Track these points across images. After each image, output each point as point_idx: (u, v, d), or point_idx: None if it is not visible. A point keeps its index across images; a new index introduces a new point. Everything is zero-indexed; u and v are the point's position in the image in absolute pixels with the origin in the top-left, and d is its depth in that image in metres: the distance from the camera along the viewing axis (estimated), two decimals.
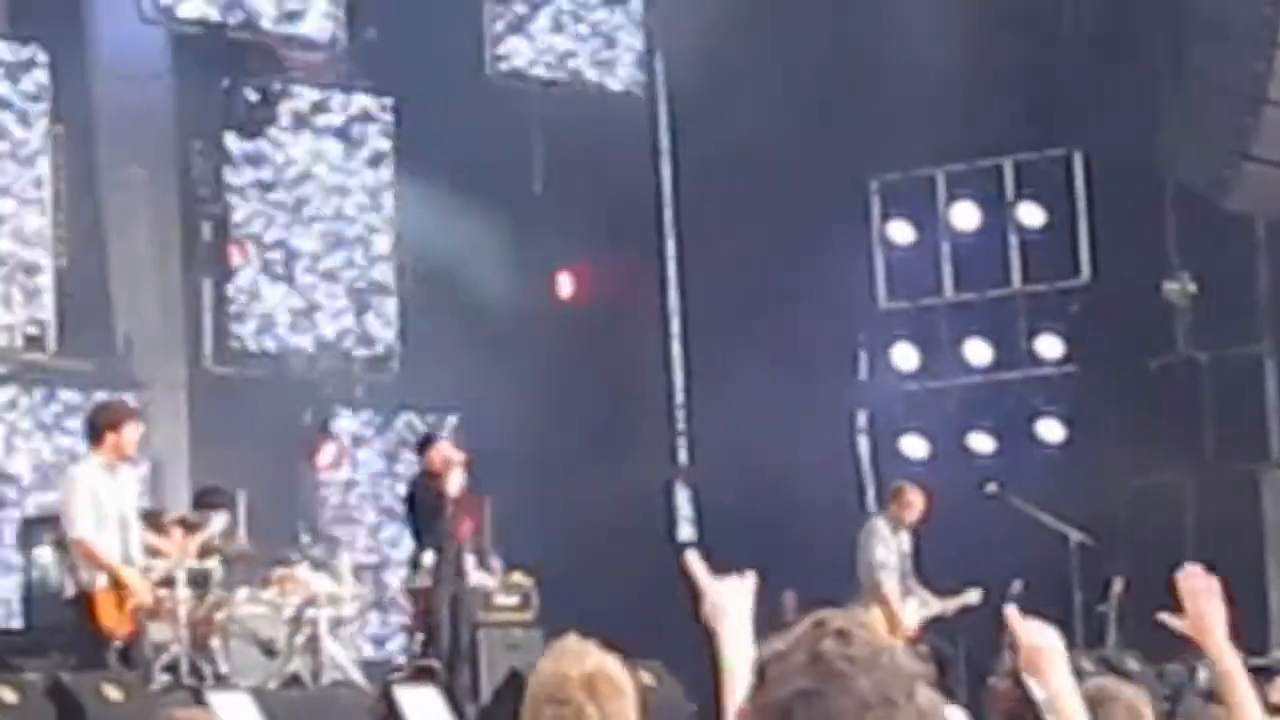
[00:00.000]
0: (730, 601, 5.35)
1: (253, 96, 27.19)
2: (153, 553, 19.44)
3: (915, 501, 23.44)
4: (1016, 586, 22.61)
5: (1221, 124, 26.51)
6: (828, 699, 3.03)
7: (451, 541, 22.43)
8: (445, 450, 23.73)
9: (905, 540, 23.28)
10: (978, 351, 27.94)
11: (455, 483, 22.76)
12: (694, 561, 5.29)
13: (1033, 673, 5.65)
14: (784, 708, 3.08)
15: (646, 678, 18.01)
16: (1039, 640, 5.63)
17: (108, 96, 26.13)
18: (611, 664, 6.27)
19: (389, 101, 29.33)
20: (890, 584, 22.36)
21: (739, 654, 5.21)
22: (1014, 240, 27.27)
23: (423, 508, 22.85)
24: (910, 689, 3.12)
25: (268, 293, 28.58)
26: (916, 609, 21.45)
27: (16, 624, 23.65)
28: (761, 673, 3.21)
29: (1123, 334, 28.14)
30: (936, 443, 27.14)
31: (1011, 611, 5.89)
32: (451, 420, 29.45)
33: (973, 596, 22.71)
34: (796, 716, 3.04)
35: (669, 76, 31.03)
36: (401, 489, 25.48)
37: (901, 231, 27.98)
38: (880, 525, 23.38)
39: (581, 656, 6.30)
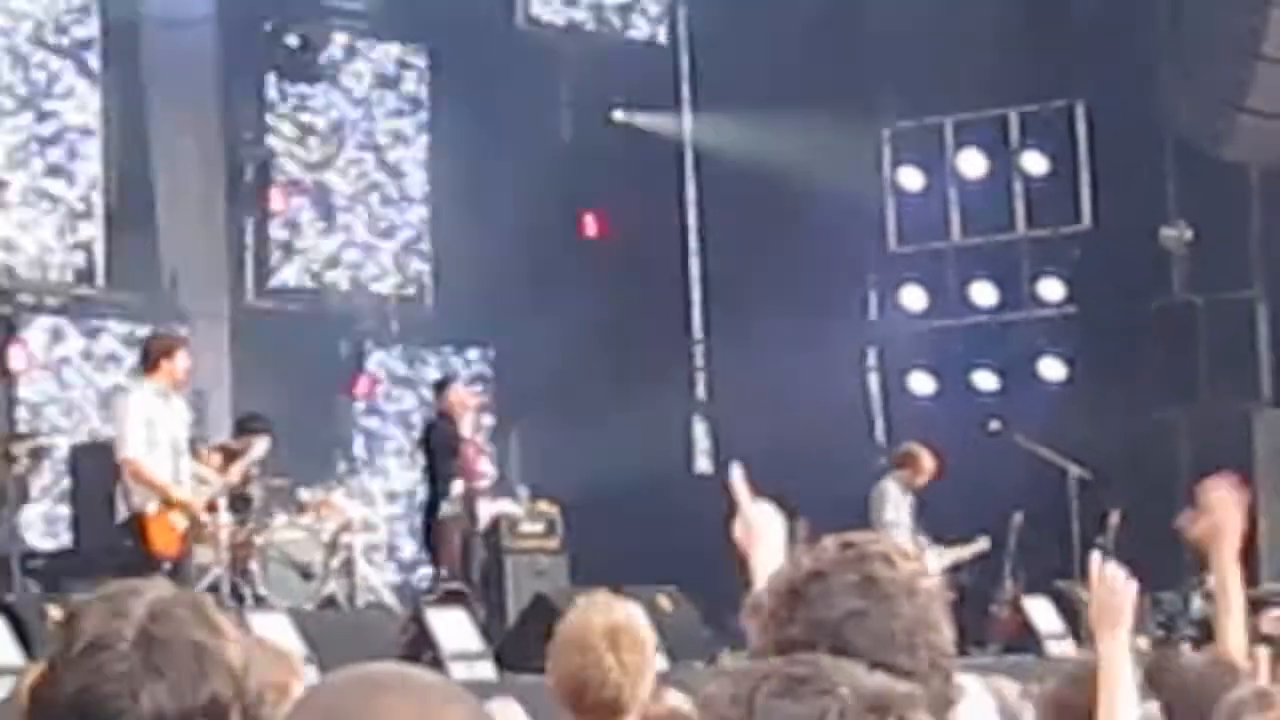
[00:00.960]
0: (766, 527, 5.58)
1: (294, 41, 27.17)
2: (199, 480, 19.92)
3: (926, 466, 23.98)
4: (1017, 519, 24.26)
5: (1217, 77, 27.12)
6: (877, 620, 3.56)
7: (464, 481, 23.09)
8: (460, 393, 24.56)
9: (913, 500, 23.84)
10: (983, 293, 28.64)
11: (469, 425, 23.73)
12: (738, 482, 5.56)
13: (1099, 625, 6.26)
14: (835, 627, 3.56)
15: (664, 602, 19.38)
16: (1115, 595, 6.25)
17: (156, 41, 26.41)
18: (636, 619, 7.21)
19: (424, 49, 28.98)
20: (902, 535, 22.25)
21: (763, 567, 5.42)
22: (1018, 188, 27.85)
23: (439, 448, 23.38)
24: (945, 615, 3.73)
25: (307, 231, 28.94)
26: (935, 559, 21.42)
27: (67, 546, 23.77)
28: (797, 592, 3.72)
29: (1122, 278, 28.41)
30: (943, 379, 27.70)
31: (1095, 561, 6.52)
32: (481, 356, 29.32)
33: (983, 544, 23.42)
34: (846, 634, 3.51)
35: (690, 27, 30.89)
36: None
37: (911, 178, 28.54)
38: (890, 487, 23.77)
39: (608, 610, 7.30)
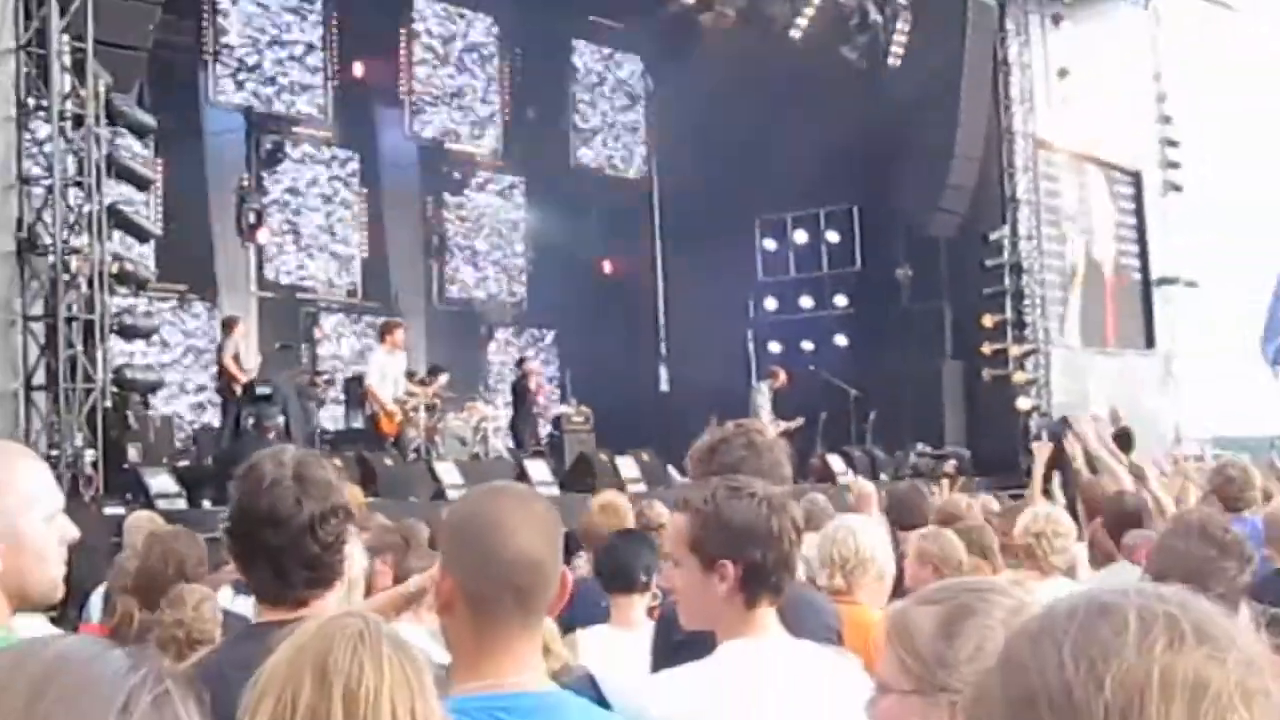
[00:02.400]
0: None
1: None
2: (410, 394, 22.43)
3: (781, 376, 26.83)
4: (824, 414, 27.39)
5: (919, 192, 28.27)
6: (752, 462, 4.87)
7: (533, 410, 26.56)
8: (532, 364, 27.94)
9: (771, 397, 26.09)
10: (806, 301, 31.87)
11: (536, 381, 27.16)
12: None
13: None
14: (733, 466, 4.70)
15: (644, 455, 22.44)
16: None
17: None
18: (621, 500, 8.08)
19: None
20: (765, 418, 24.00)
21: None
22: (823, 248, 31.61)
23: (520, 394, 26.64)
24: (787, 460, 5.17)
25: (464, 268, 32.27)
26: (780, 429, 22.15)
27: (343, 428, 26.25)
28: (714, 448, 5.07)
29: (877, 294, 30.96)
30: (787, 347, 30.99)
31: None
32: (550, 335, 33.54)
33: (800, 421, 25.62)
34: (740, 470, 4.56)
35: (659, 164, 33.80)
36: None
37: (770, 243, 32.51)
38: (762, 387, 26.72)
39: (602, 496, 8.67)
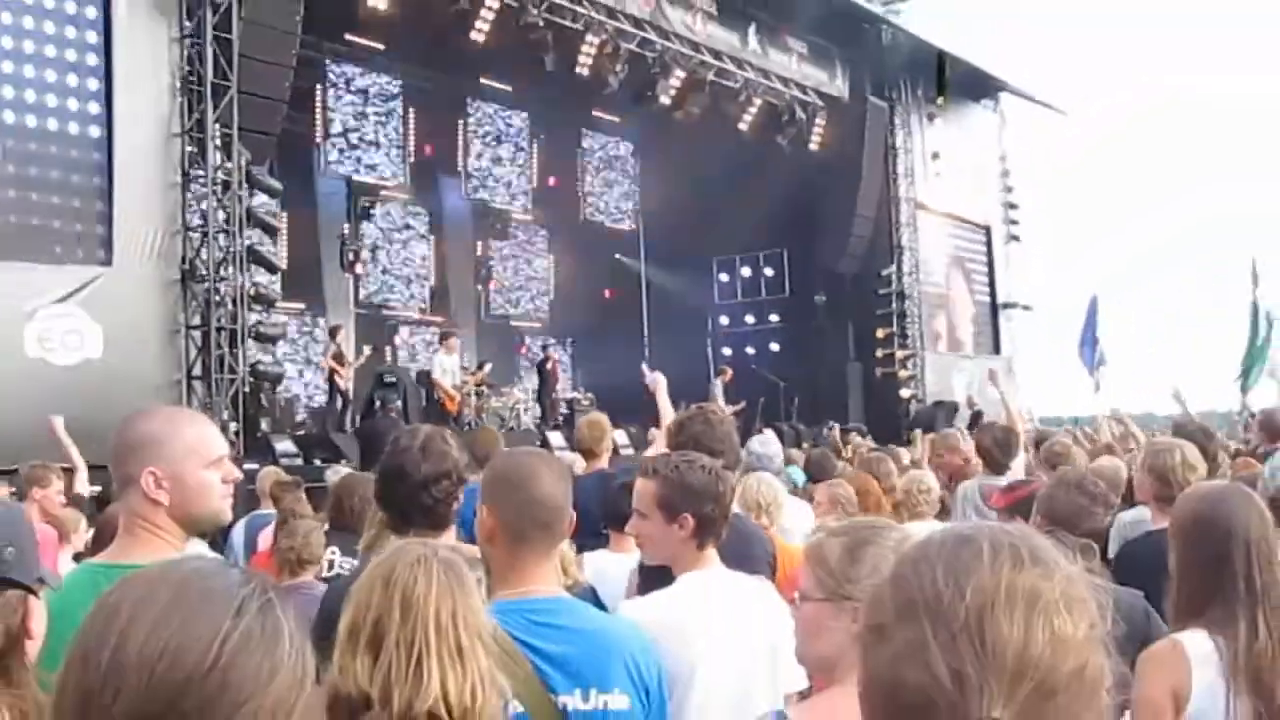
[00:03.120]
0: (660, 387, 6.76)
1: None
2: (464, 382, 22.03)
3: (729, 372, 26.24)
4: (761, 400, 26.37)
5: (832, 238, 27.88)
6: (709, 436, 4.79)
7: (553, 394, 25.70)
8: (551, 351, 27.18)
9: (724, 389, 24.97)
10: (749, 318, 31.70)
11: (553, 363, 26.19)
12: (653, 376, 6.82)
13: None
14: (695, 439, 4.65)
15: (632, 429, 21.10)
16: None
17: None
18: (602, 419, 7.78)
19: None
20: (720, 402, 21.83)
21: (665, 411, 6.64)
22: (762, 280, 31.45)
23: (542, 374, 25.73)
24: (734, 435, 5.03)
25: (502, 291, 31.75)
26: (730, 411, 19.64)
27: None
28: (682, 425, 5.03)
29: (805, 313, 30.10)
30: (735, 351, 30.63)
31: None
32: (568, 341, 32.94)
33: (743, 405, 24.67)
34: (702, 442, 4.54)
35: (644, 219, 33.44)
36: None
37: (724, 276, 32.09)
38: (717, 382, 25.80)
39: (589, 416, 8.40)
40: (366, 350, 22.48)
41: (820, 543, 2.84)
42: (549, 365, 25.75)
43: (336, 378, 21.06)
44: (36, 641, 2.47)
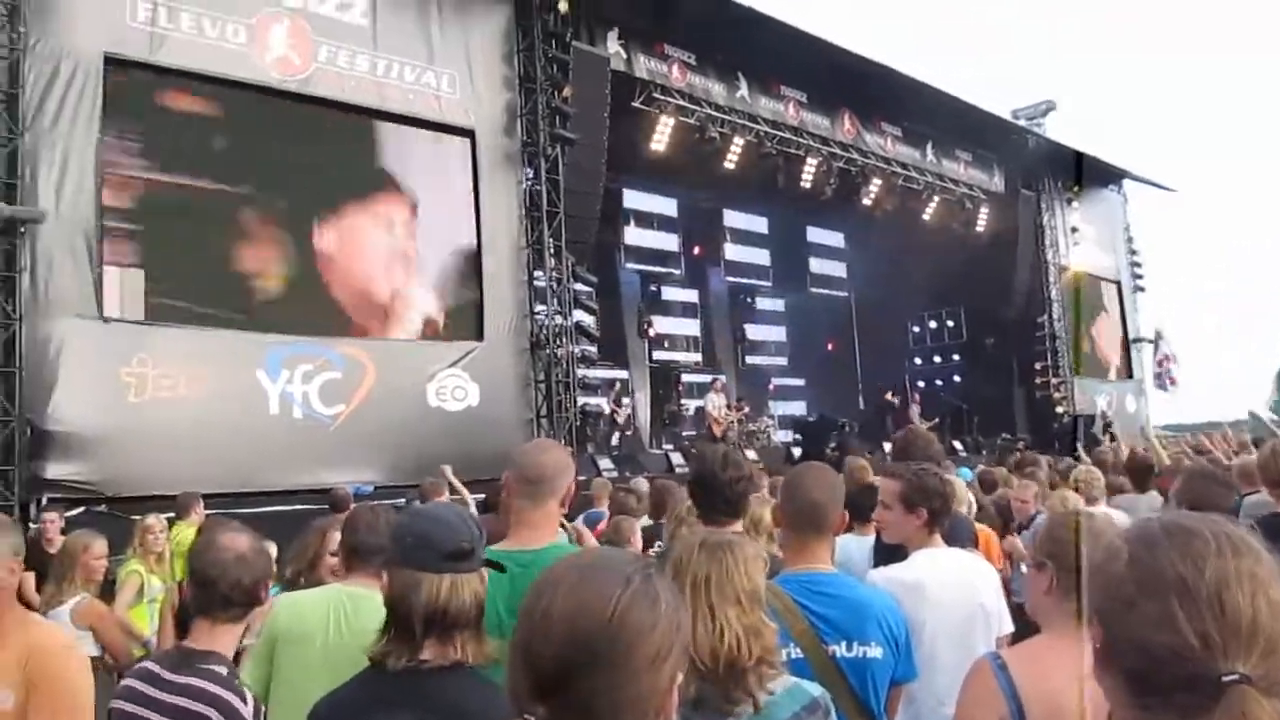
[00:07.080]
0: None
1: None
2: (727, 414, 20.20)
3: (918, 398, 24.52)
4: (948, 419, 24.73)
5: (997, 295, 25.82)
6: (920, 444, 4.59)
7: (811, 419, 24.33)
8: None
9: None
10: (937, 359, 29.05)
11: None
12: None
13: None
14: (911, 445, 4.49)
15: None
16: None
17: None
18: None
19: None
20: (918, 422, 20.63)
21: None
22: (945, 330, 29.45)
23: (810, 420, 22.75)
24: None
25: (755, 348, 29.46)
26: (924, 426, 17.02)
27: (690, 434, 22.79)
28: (907, 441, 4.75)
29: (979, 353, 28.29)
30: (927, 385, 28.50)
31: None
32: (800, 381, 30.53)
33: (936, 421, 22.39)
34: (916, 448, 4.37)
35: (855, 288, 30.96)
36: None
37: (915, 327, 29.76)
38: (914, 408, 24.09)
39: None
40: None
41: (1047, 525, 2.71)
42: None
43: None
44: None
